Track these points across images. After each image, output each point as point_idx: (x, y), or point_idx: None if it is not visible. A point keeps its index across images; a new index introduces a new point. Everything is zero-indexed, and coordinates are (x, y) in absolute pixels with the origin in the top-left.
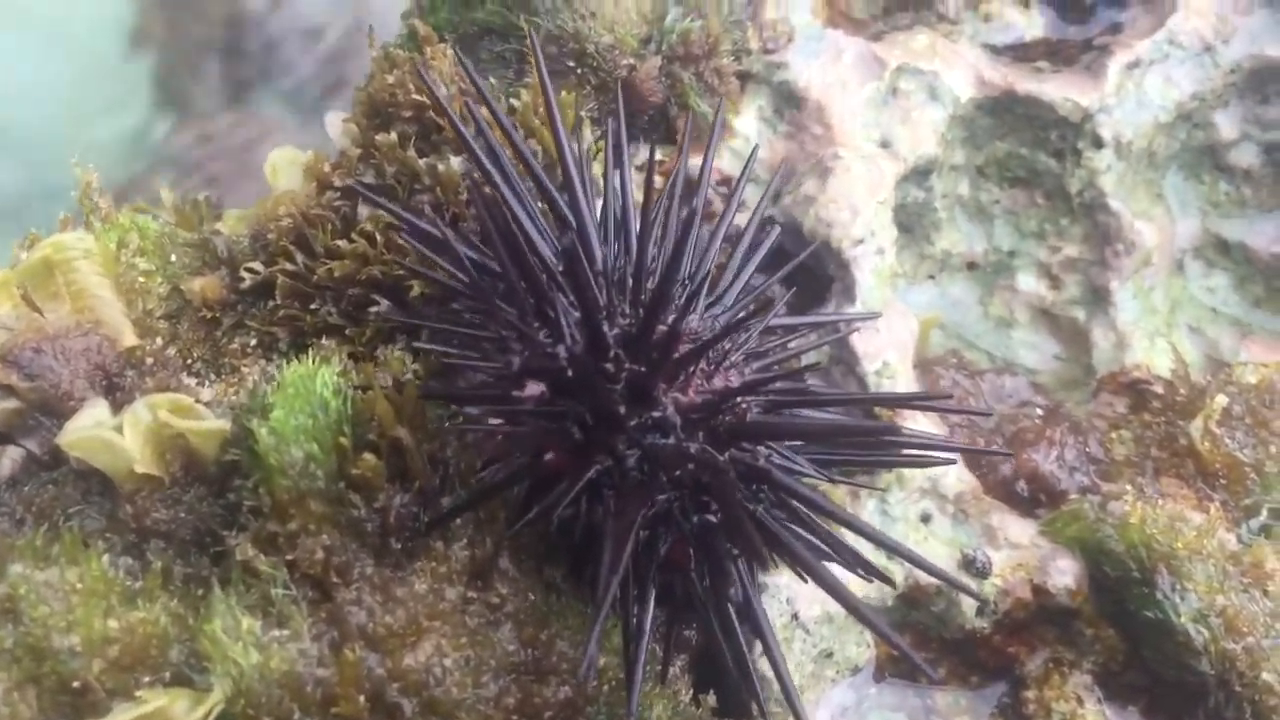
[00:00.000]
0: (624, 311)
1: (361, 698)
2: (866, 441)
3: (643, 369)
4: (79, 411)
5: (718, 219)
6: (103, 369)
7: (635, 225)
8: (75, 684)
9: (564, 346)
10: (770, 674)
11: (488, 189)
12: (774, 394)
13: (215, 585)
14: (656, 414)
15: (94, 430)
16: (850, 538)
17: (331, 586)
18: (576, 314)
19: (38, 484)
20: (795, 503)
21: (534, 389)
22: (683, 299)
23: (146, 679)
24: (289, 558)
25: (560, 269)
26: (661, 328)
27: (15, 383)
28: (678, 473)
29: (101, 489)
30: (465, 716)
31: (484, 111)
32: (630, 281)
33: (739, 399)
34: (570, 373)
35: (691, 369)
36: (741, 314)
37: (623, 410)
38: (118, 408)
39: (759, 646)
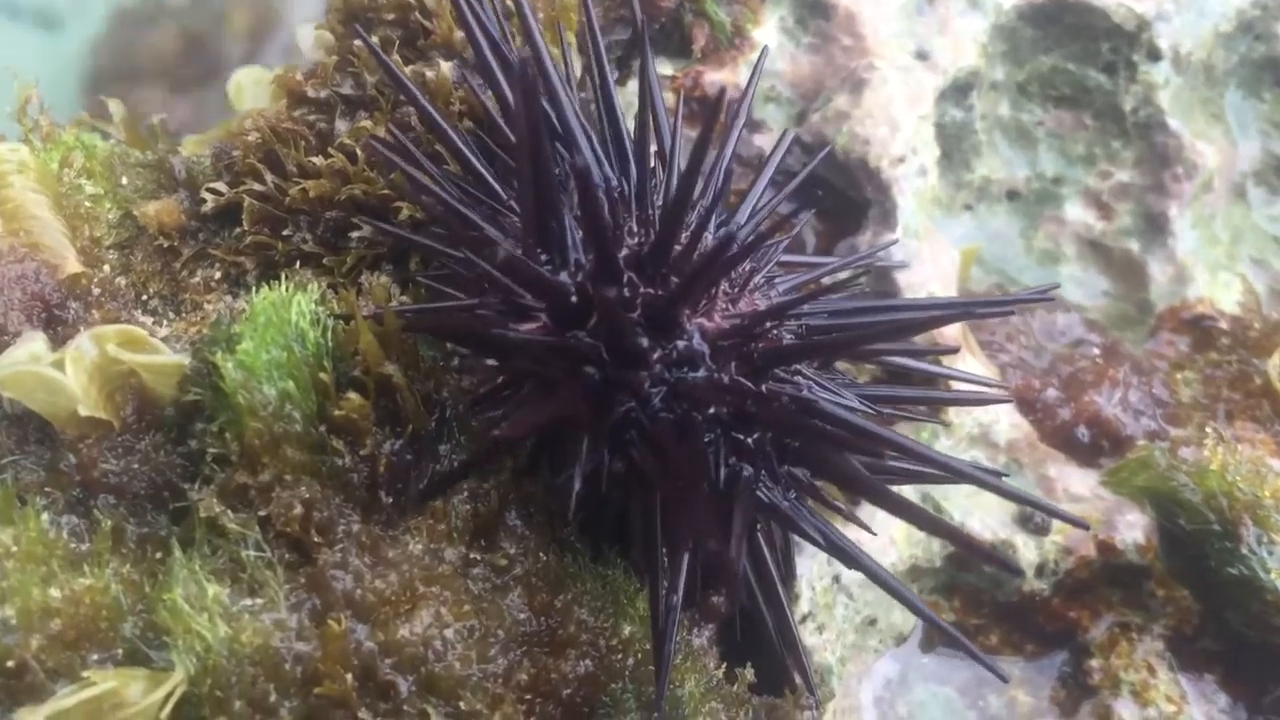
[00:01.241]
0: (631, 230)
1: (349, 675)
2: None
3: (660, 293)
4: (12, 346)
5: (725, 132)
6: (41, 299)
7: (645, 140)
8: (9, 663)
9: (567, 273)
10: (810, 643)
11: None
12: (808, 315)
13: (175, 547)
14: (682, 343)
15: (30, 366)
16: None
17: (312, 547)
18: (580, 234)
19: None
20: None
21: (533, 321)
22: (694, 216)
23: (95, 657)
24: (262, 514)
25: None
26: (677, 248)
27: None
28: (711, 411)
29: (40, 436)
30: (470, 695)
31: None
32: (635, 198)
33: (769, 324)
34: (577, 299)
35: (715, 292)
36: (762, 229)
37: (645, 342)
38: (59, 343)
39: (797, 614)
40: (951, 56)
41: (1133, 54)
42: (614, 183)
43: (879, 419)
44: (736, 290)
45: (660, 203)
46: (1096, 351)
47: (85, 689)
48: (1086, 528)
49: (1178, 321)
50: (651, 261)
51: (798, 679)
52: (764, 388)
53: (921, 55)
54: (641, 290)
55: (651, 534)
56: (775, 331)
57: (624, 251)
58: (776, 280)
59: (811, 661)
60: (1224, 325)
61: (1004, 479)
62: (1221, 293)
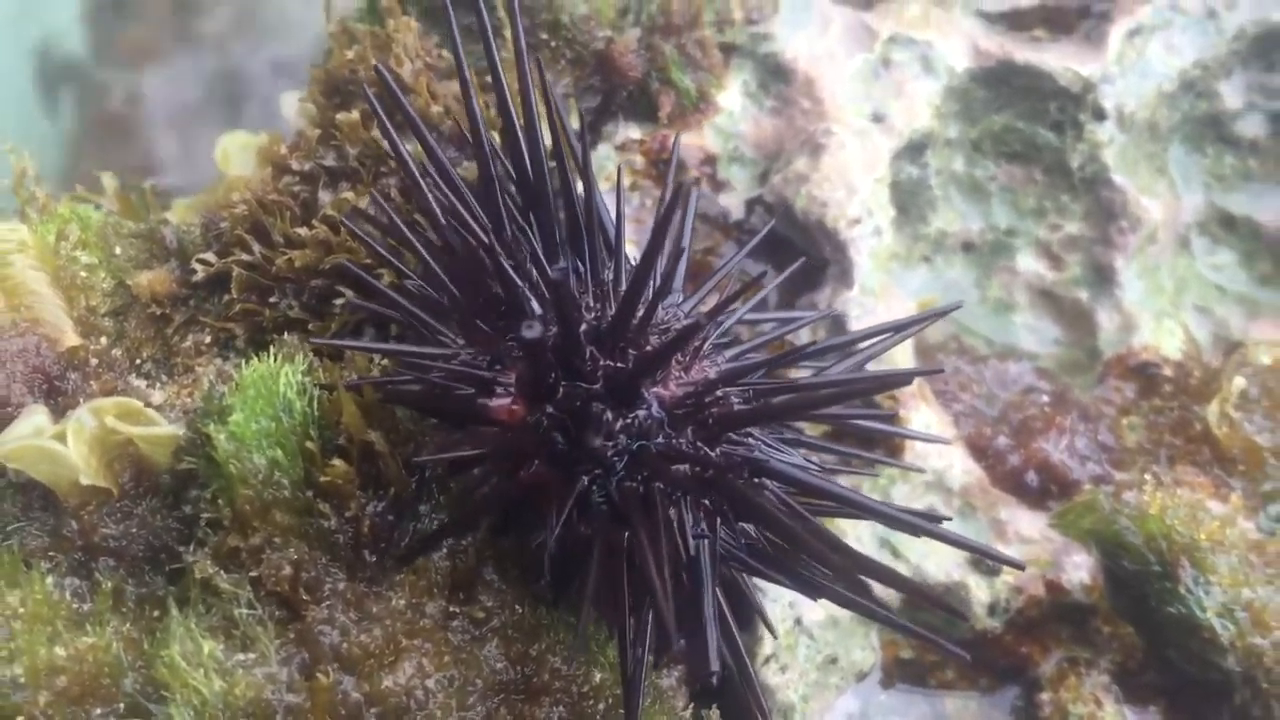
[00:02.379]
0: (588, 304)
1: None
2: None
3: (621, 365)
4: (16, 419)
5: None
6: (42, 371)
7: (606, 216)
8: (19, 719)
9: (534, 365)
10: (774, 682)
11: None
12: (756, 381)
13: (172, 606)
14: (642, 413)
15: (33, 440)
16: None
17: (301, 604)
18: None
19: None
20: (805, 497)
21: (504, 397)
22: (649, 289)
23: (98, 712)
24: (253, 574)
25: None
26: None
27: None
28: (675, 471)
29: (43, 503)
30: None
31: (456, 88)
32: (590, 275)
33: (719, 389)
34: (540, 384)
35: (670, 360)
36: (703, 303)
37: (607, 415)
38: (60, 413)
39: (760, 655)
40: (906, 118)
41: (1079, 113)
42: (572, 264)
43: (825, 475)
44: (689, 358)
45: (612, 277)
46: (1046, 399)
47: None
48: (1022, 567)
49: (1124, 368)
50: (610, 335)
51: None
52: (718, 451)
53: (877, 117)
54: (602, 363)
55: (619, 591)
56: (726, 396)
57: (583, 327)
58: (726, 344)
59: (775, 700)
60: (1168, 372)
61: (944, 523)
62: (1166, 340)
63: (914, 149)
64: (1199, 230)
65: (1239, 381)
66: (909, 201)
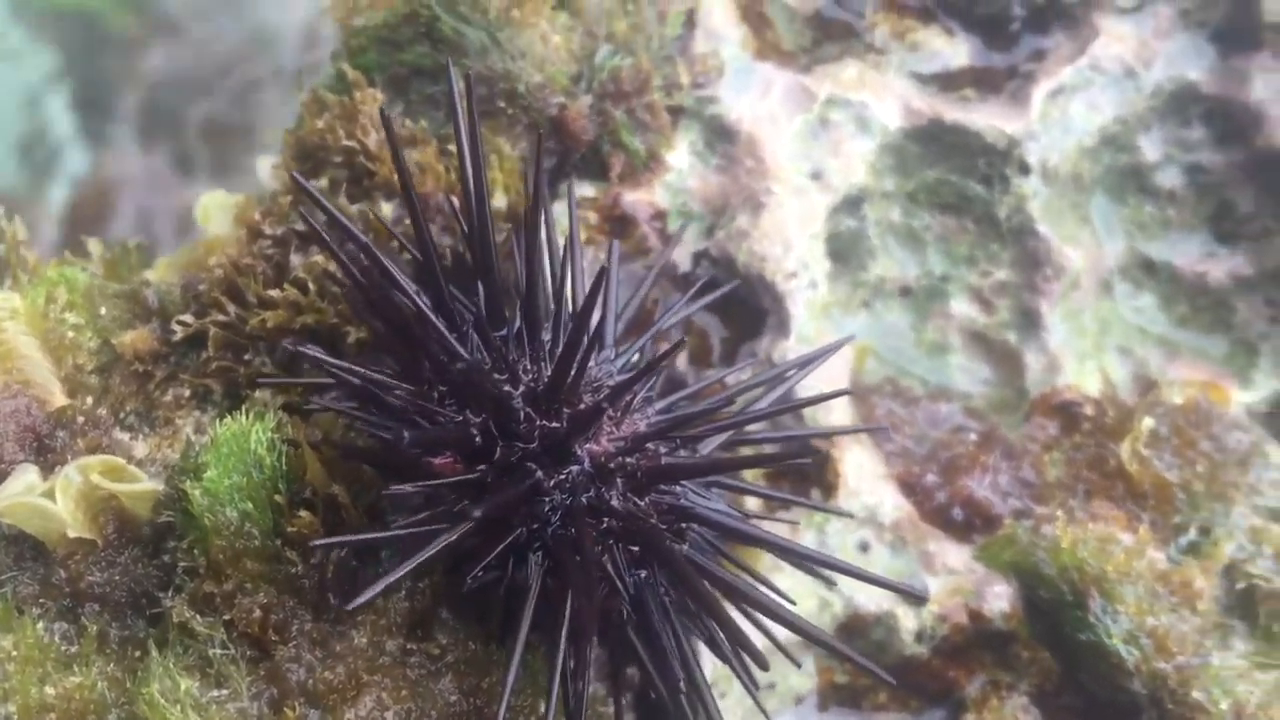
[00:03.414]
0: (525, 367)
1: None
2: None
3: (556, 425)
4: (9, 477)
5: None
6: (32, 430)
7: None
8: None
9: (474, 425)
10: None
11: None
12: (684, 432)
13: (152, 647)
14: (575, 468)
15: (25, 497)
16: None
17: (270, 644)
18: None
19: None
20: (726, 538)
21: (446, 456)
22: (584, 350)
23: None
24: (226, 617)
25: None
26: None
27: None
28: (605, 524)
29: (34, 554)
30: None
31: (418, 156)
32: (528, 339)
33: (648, 442)
34: (481, 441)
35: (603, 418)
36: (638, 357)
37: (540, 474)
38: (49, 470)
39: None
40: (844, 175)
41: (1005, 168)
42: (514, 328)
43: (745, 519)
44: (620, 413)
45: (549, 338)
46: (974, 437)
47: None
48: (924, 599)
49: (1048, 407)
50: (546, 398)
51: None
52: (646, 500)
53: (816, 175)
54: (538, 424)
55: (556, 632)
56: (656, 448)
57: (520, 389)
58: (654, 398)
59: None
60: (1088, 410)
61: (868, 550)
62: (1089, 380)
63: (852, 203)
64: (1121, 275)
65: (1148, 421)
66: (849, 251)
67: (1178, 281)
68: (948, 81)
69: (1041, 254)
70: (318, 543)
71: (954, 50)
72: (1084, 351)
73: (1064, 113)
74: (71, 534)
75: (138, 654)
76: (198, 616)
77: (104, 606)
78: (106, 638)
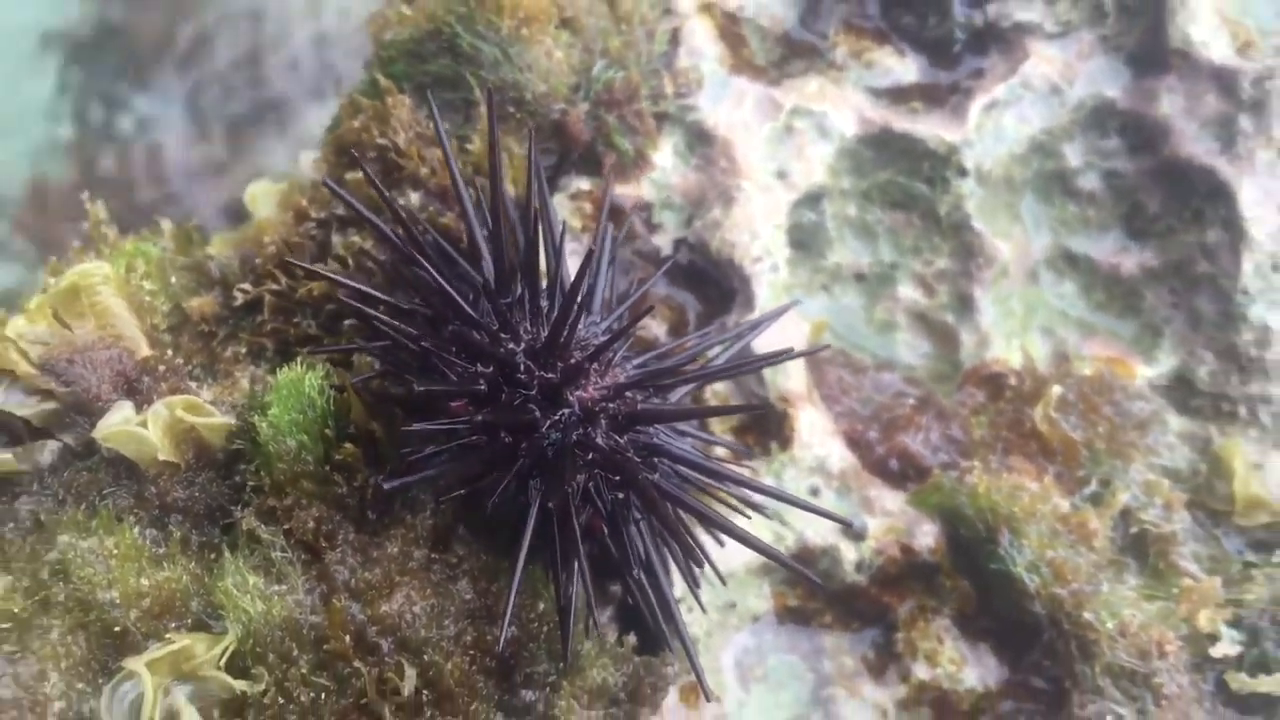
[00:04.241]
0: (526, 328)
1: (347, 637)
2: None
3: (551, 376)
4: (110, 410)
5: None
6: (124, 375)
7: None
8: (116, 629)
9: (484, 376)
10: (683, 619)
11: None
12: (663, 381)
13: (225, 550)
14: (566, 411)
15: (124, 426)
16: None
17: (320, 550)
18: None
19: (74, 470)
20: (690, 471)
21: (464, 403)
22: (575, 314)
23: (173, 625)
24: (285, 527)
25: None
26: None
27: (54, 387)
28: (591, 456)
29: (129, 474)
30: (431, 651)
31: (439, 154)
32: (529, 303)
33: (627, 391)
34: (487, 390)
35: (588, 369)
36: (619, 322)
37: (538, 414)
38: (138, 408)
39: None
40: (805, 175)
41: (945, 171)
42: (517, 293)
43: (707, 456)
44: (604, 367)
45: (547, 306)
46: (912, 401)
47: (168, 645)
48: (849, 524)
49: (978, 378)
50: (543, 353)
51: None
52: (625, 438)
53: (781, 175)
54: (537, 374)
55: (552, 545)
56: (633, 396)
57: (522, 345)
58: (633, 357)
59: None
60: (1012, 381)
61: (818, 495)
62: (1013, 355)
63: (812, 199)
64: (1046, 266)
65: (1057, 389)
66: (810, 240)
67: (1095, 272)
68: (898, 95)
69: (976, 246)
70: (390, 485)
71: (904, 68)
72: (1011, 331)
73: (997, 124)
74: (160, 457)
75: (213, 556)
76: (262, 526)
77: (186, 517)
78: (188, 542)
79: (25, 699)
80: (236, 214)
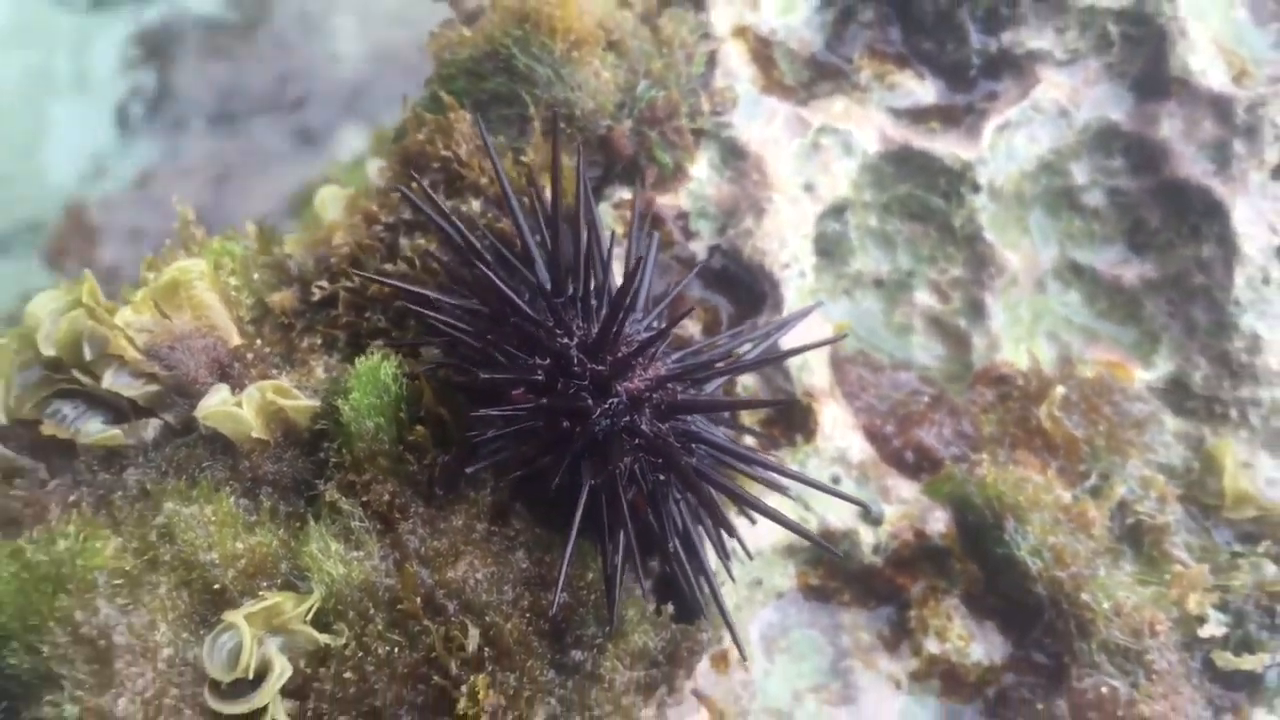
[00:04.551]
0: (579, 324)
1: (418, 599)
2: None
3: (602, 369)
4: (208, 393)
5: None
6: (217, 361)
7: (595, 259)
8: (215, 586)
9: (541, 367)
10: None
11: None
12: (699, 374)
13: (310, 519)
14: (614, 400)
15: (223, 406)
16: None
17: (394, 520)
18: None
19: (175, 446)
20: (724, 456)
21: (524, 391)
22: (623, 313)
23: (264, 584)
24: (363, 500)
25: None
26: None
27: (157, 371)
28: (636, 441)
29: (224, 450)
30: (491, 613)
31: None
32: (581, 302)
33: (669, 383)
34: (545, 380)
35: (634, 364)
36: (662, 323)
37: (590, 402)
38: (232, 391)
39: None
40: (831, 188)
41: (960, 187)
42: (570, 293)
43: (740, 444)
44: (648, 361)
45: (597, 304)
46: (926, 399)
47: (261, 602)
48: (863, 505)
49: (988, 378)
50: (595, 347)
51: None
52: (667, 426)
53: (808, 188)
54: (589, 367)
55: (600, 521)
56: (674, 388)
57: (575, 340)
58: (673, 353)
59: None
60: (1019, 381)
61: (839, 483)
62: (1021, 358)
63: (836, 210)
64: (1053, 275)
65: (1060, 389)
66: (834, 249)
67: (1098, 282)
68: (917, 115)
69: (988, 256)
70: (472, 469)
71: (924, 90)
72: (1019, 336)
73: (1009, 143)
74: (253, 435)
75: (298, 524)
76: (343, 498)
77: (275, 488)
78: (276, 511)
79: (138, 645)
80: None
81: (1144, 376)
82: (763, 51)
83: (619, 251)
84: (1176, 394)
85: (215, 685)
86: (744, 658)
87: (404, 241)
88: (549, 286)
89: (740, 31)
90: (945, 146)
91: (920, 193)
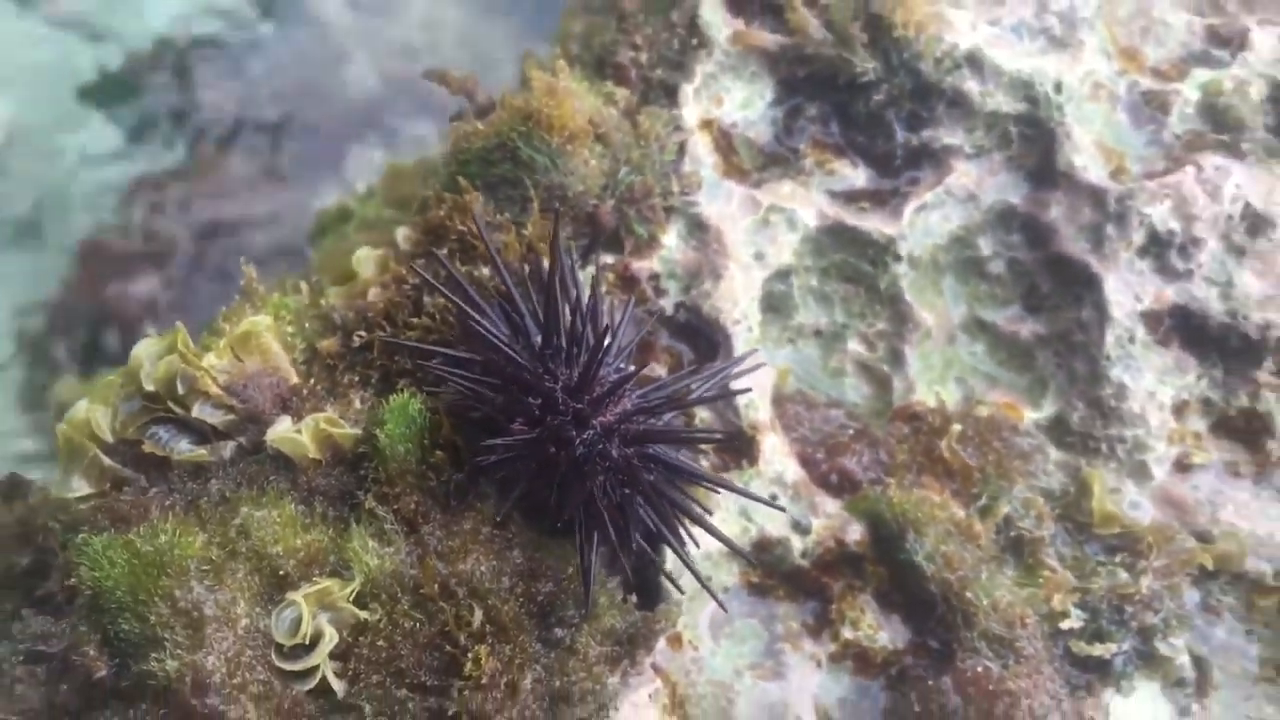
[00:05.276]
0: (563, 371)
1: (435, 586)
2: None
3: (581, 406)
4: (275, 423)
5: (620, 305)
6: (280, 396)
7: (577, 317)
8: (280, 573)
9: (534, 405)
10: (667, 584)
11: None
12: (658, 408)
13: (353, 522)
14: (590, 433)
15: (286, 433)
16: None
17: (417, 524)
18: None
19: (247, 463)
20: (678, 475)
21: (520, 424)
22: (598, 360)
23: (317, 572)
24: (394, 508)
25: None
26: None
27: (234, 404)
28: (608, 464)
29: (286, 466)
30: (492, 598)
31: (504, 238)
32: (566, 352)
33: (635, 416)
34: (538, 415)
35: (608, 401)
36: (632, 368)
37: (572, 433)
38: (293, 420)
39: (665, 566)
40: (777, 257)
41: (885, 257)
42: (553, 345)
43: (696, 466)
44: (619, 398)
45: (578, 353)
46: (852, 432)
47: (315, 585)
48: (782, 509)
49: (904, 415)
50: (576, 389)
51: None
52: (632, 451)
53: (759, 256)
54: (571, 405)
55: (579, 528)
56: (639, 419)
57: (560, 384)
58: (638, 390)
59: (671, 599)
60: (929, 418)
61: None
62: (931, 398)
63: (782, 274)
64: (962, 330)
65: (957, 426)
66: (781, 305)
67: (999, 336)
68: (851, 197)
69: (907, 314)
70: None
71: (857, 176)
72: (932, 380)
73: (926, 221)
74: (310, 455)
75: (343, 526)
76: (378, 506)
77: (325, 498)
78: (327, 515)
79: (222, 616)
80: None
81: (1033, 416)
82: (724, 142)
83: (606, 306)
84: (1059, 430)
85: (279, 648)
86: (723, 608)
87: (427, 300)
88: (539, 339)
89: (706, 124)
90: (873, 224)
91: (852, 260)
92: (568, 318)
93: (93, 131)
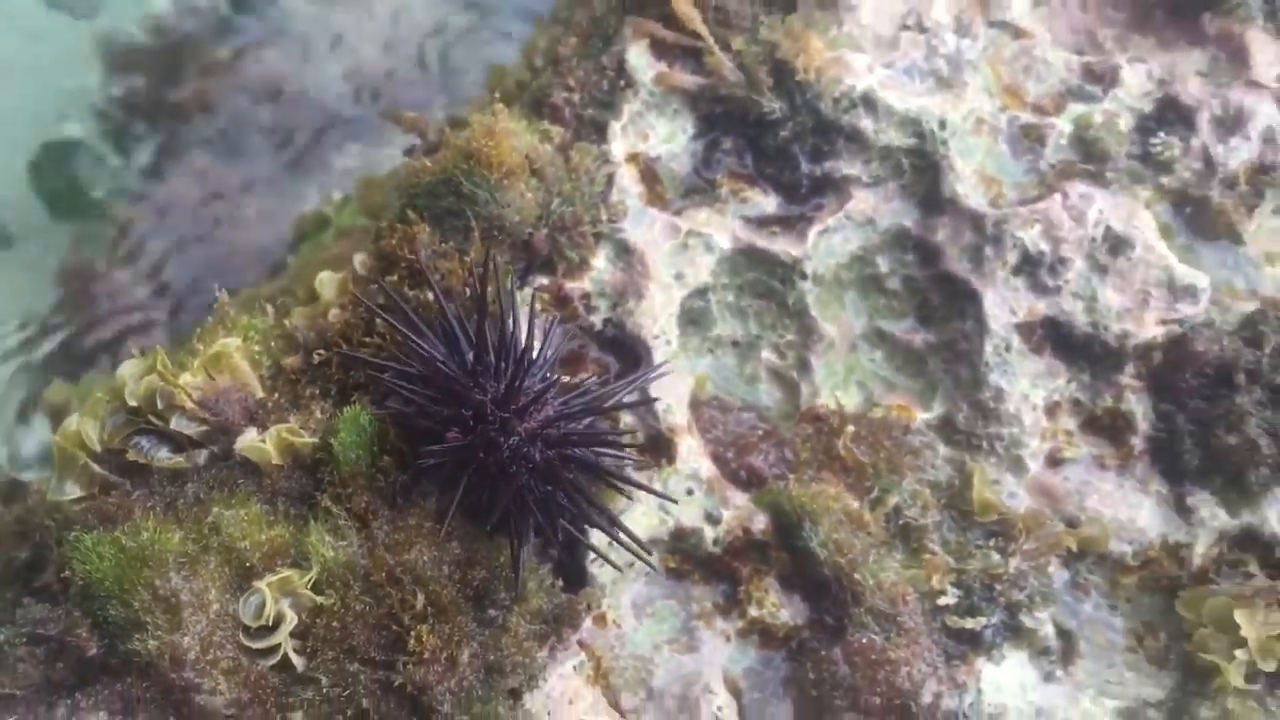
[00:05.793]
0: (491, 384)
1: (384, 574)
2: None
3: (507, 415)
4: (243, 433)
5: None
6: (248, 409)
7: (504, 334)
8: (247, 564)
9: (467, 415)
10: (596, 572)
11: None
12: (577, 414)
13: (311, 519)
14: (515, 439)
15: (252, 442)
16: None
17: (368, 520)
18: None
19: (218, 469)
20: (595, 474)
21: (455, 432)
22: (523, 373)
23: (280, 563)
24: (347, 506)
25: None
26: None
27: (207, 417)
28: (532, 465)
29: (252, 471)
30: (433, 584)
31: (448, 265)
32: (494, 366)
33: (555, 422)
34: (472, 425)
35: (531, 409)
36: (554, 377)
37: (501, 439)
38: (259, 430)
39: (589, 557)
40: (695, 277)
41: (793, 275)
42: (484, 361)
43: (616, 469)
44: (540, 407)
45: (505, 367)
46: (761, 432)
47: (278, 575)
48: (674, 501)
49: (809, 417)
50: (504, 400)
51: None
52: (554, 452)
53: (679, 276)
54: (499, 414)
55: (508, 522)
56: (559, 424)
57: (489, 395)
58: (561, 398)
59: (597, 582)
60: (831, 420)
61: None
62: (833, 402)
63: (700, 292)
64: (863, 339)
65: (851, 427)
66: (700, 319)
67: (895, 345)
68: (762, 222)
69: (813, 326)
70: (422, 465)
71: (767, 203)
72: (835, 385)
73: (829, 243)
74: (273, 461)
75: (303, 522)
76: (333, 505)
77: (287, 498)
78: (288, 514)
79: (196, 602)
80: None
81: (925, 416)
82: (649, 173)
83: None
84: (947, 429)
85: (246, 629)
86: (652, 567)
87: (378, 321)
88: (471, 356)
89: (633, 157)
90: (781, 246)
91: (764, 279)
92: (498, 336)
93: (69, 129)
